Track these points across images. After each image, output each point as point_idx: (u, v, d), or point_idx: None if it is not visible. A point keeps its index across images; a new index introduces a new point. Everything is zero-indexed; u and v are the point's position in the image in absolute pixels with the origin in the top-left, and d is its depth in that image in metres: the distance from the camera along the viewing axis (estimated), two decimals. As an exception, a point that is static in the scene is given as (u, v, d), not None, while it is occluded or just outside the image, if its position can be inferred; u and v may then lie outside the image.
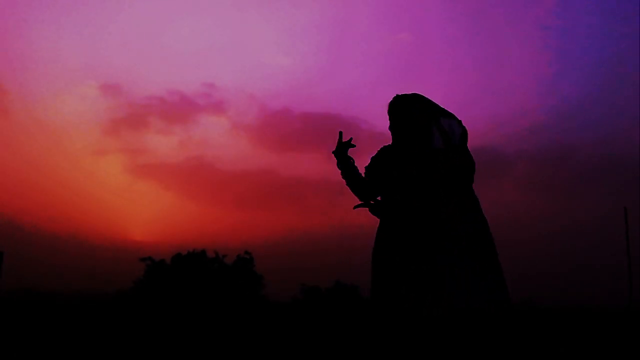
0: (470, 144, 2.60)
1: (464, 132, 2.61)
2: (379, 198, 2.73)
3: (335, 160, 2.82)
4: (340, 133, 2.82)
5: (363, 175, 2.78)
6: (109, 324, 8.28)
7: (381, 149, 2.74)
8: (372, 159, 2.75)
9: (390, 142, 2.74)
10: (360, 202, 2.77)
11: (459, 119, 2.65)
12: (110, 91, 35.21)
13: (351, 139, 2.80)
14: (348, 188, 2.81)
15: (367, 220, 2.70)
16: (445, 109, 2.67)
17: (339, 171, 2.82)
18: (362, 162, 2.88)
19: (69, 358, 4.88)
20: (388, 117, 2.69)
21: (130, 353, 5.26)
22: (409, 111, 2.61)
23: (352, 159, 2.83)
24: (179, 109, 35.33)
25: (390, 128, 2.68)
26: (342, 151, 2.80)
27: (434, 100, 2.67)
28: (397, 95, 2.68)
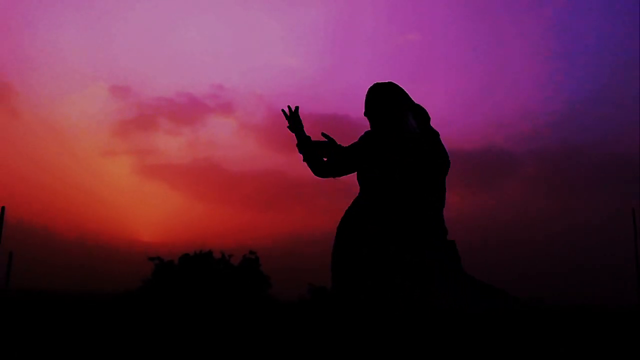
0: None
1: (425, 119, 2.67)
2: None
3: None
4: (283, 111, 2.88)
5: (340, 150, 2.79)
6: (117, 324, 8.33)
7: (365, 134, 2.77)
8: (357, 145, 2.75)
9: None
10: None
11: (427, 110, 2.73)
12: (120, 92, 35.34)
13: (297, 107, 2.92)
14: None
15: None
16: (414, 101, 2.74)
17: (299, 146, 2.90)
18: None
19: (77, 358, 4.92)
20: (364, 103, 2.76)
21: (137, 353, 5.29)
22: (383, 99, 2.69)
23: (309, 137, 2.89)
24: (187, 110, 35.43)
25: (365, 114, 2.75)
26: (297, 125, 2.89)
27: (406, 92, 2.75)
28: (374, 84, 2.76)
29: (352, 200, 2.72)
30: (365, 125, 2.73)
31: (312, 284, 17.32)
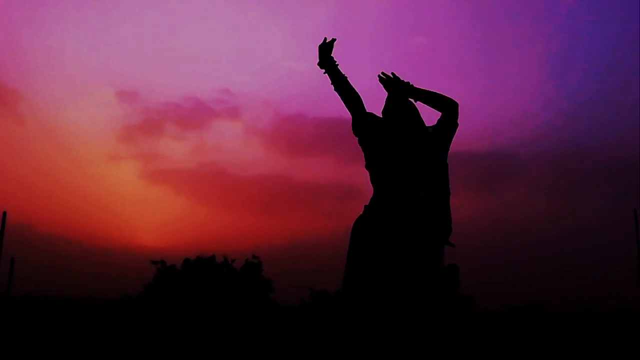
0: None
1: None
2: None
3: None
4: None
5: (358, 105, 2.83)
6: (119, 329, 8.33)
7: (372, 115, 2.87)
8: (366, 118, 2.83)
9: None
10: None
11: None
12: (127, 97, 35.55)
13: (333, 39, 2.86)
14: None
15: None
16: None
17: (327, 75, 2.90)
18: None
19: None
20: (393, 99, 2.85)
21: (139, 357, 5.29)
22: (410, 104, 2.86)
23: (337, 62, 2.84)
24: (193, 115, 35.63)
25: (394, 109, 2.86)
26: (327, 49, 2.85)
27: None
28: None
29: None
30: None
31: (313, 288, 17.31)
